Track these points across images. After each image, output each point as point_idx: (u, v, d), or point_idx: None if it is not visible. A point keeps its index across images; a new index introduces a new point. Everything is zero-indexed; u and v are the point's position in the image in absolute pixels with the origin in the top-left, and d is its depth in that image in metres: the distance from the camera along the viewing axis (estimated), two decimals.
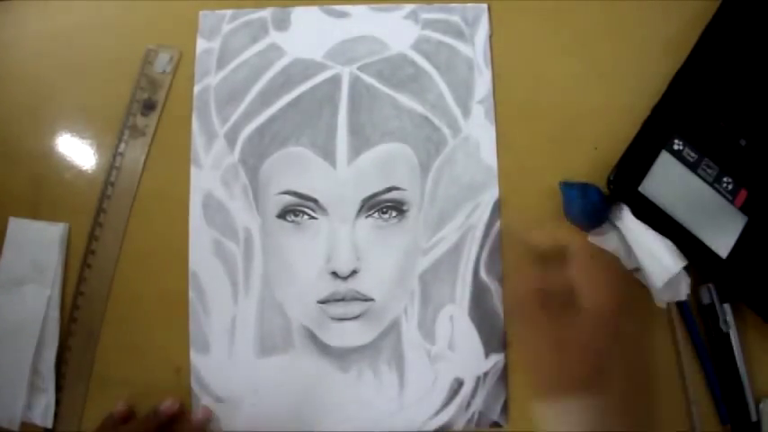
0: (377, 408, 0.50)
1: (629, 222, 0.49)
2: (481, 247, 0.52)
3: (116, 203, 0.53)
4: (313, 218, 0.52)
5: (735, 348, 0.49)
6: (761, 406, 0.49)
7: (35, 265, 0.51)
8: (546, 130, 0.53)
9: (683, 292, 0.48)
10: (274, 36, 0.55)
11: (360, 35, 0.55)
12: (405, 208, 0.52)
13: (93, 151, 0.54)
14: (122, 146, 0.53)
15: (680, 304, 0.51)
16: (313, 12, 0.55)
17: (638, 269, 0.50)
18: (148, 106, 0.54)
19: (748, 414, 0.49)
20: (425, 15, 0.55)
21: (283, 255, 0.51)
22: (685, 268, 0.48)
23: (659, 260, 0.48)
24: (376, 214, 0.52)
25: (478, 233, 0.52)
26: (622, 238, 0.50)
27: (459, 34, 0.55)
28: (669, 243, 0.48)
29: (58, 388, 0.50)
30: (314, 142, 0.52)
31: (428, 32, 0.55)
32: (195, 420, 0.49)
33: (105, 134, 0.54)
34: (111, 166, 0.53)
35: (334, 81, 0.53)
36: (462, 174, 0.53)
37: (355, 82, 0.53)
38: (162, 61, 0.54)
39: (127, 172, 0.53)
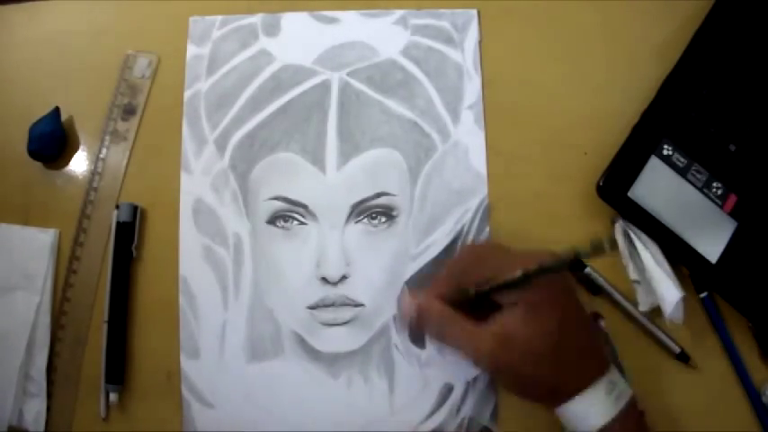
0: (367, 413, 0.50)
1: (639, 244, 0.50)
2: None
3: (99, 209, 0.53)
4: (303, 223, 0.52)
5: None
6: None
7: (25, 272, 0.51)
8: (535, 135, 0.54)
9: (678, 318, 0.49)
10: (264, 42, 0.55)
11: (349, 41, 0.55)
12: (394, 213, 0.52)
13: (80, 157, 0.54)
14: (104, 151, 0.54)
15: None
16: (303, 18, 0.56)
17: (637, 281, 0.50)
18: (128, 111, 0.54)
19: None
20: (415, 21, 0.55)
21: (273, 260, 0.52)
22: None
23: (661, 290, 0.48)
24: (365, 220, 0.52)
25: (468, 238, 0.52)
26: (631, 248, 0.50)
27: (448, 40, 0.55)
28: (669, 271, 0.49)
29: (48, 394, 0.50)
30: (303, 148, 0.53)
31: (417, 38, 0.55)
32: None
33: (92, 139, 0.54)
34: (93, 172, 0.53)
35: (324, 87, 0.54)
36: (452, 179, 0.53)
37: (345, 88, 0.54)
38: (141, 66, 0.55)
39: (109, 177, 0.53)
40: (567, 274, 0.44)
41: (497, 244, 0.46)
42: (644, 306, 0.49)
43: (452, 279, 0.45)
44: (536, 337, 0.41)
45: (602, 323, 0.49)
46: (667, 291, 0.48)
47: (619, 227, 0.51)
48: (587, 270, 0.50)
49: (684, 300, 0.48)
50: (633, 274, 0.50)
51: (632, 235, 0.50)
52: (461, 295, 0.44)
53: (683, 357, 0.49)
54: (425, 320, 0.45)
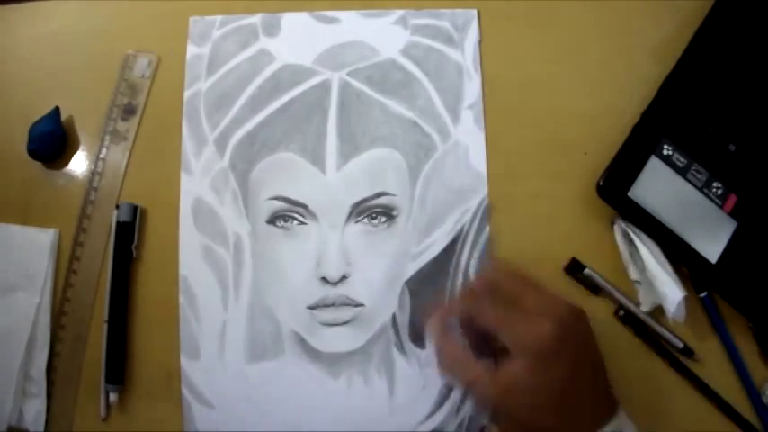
0: (367, 413, 0.50)
1: (640, 244, 0.50)
2: (471, 252, 0.52)
3: (99, 209, 0.53)
4: (303, 223, 0.52)
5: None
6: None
7: (25, 272, 0.51)
8: (535, 135, 0.53)
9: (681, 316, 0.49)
10: (264, 42, 0.55)
11: (349, 41, 0.55)
12: (394, 213, 0.52)
13: (80, 157, 0.54)
14: (104, 151, 0.54)
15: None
16: (303, 18, 0.56)
17: (638, 281, 0.50)
18: (129, 111, 0.54)
19: None
20: (415, 21, 0.55)
21: (273, 260, 0.52)
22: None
23: (664, 289, 0.48)
24: (365, 220, 0.52)
25: (468, 238, 0.52)
26: (632, 248, 0.50)
27: (448, 40, 0.55)
28: (671, 270, 0.49)
29: (48, 394, 0.50)
30: (303, 148, 0.53)
31: (417, 38, 0.55)
32: None
33: (92, 139, 0.54)
34: (93, 172, 0.53)
35: (324, 87, 0.54)
36: (452, 179, 0.53)
37: (345, 87, 0.54)
38: (141, 66, 0.55)
39: (109, 177, 0.53)
40: (584, 326, 0.43)
41: (515, 272, 0.45)
42: (646, 306, 0.49)
43: (465, 305, 0.45)
44: (543, 389, 0.40)
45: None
46: (671, 290, 0.48)
47: (618, 227, 0.51)
48: (587, 271, 0.50)
49: (686, 299, 0.48)
50: (634, 275, 0.50)
51: (632, 235, 0.50)
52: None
53: (687, 352, 0.49)
54: (438, 358, 0.45)
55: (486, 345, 0.45)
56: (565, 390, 0.40)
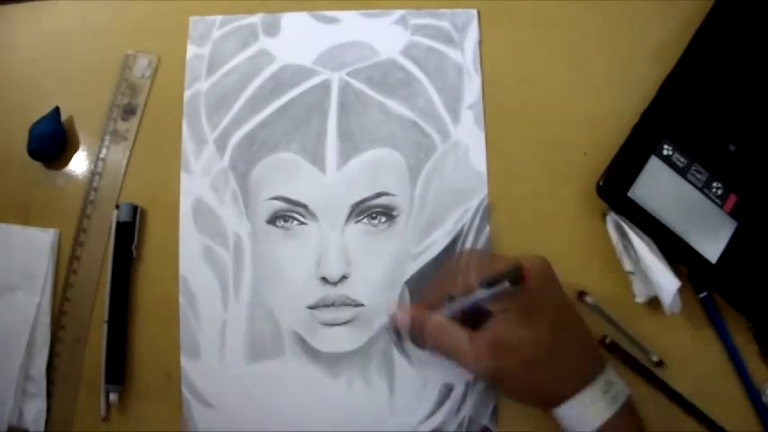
0: (367, 413, 0.50)
1: (634, 236, 0.50)
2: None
3: (99, 209, 0.53)
4: (303, 223, 0.52)
5: None
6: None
7: (25, 272, 0.51)
8: (535, 135, 0.54)
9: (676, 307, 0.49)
10: (264, 42, 0.55)
11: (349, 41, 0.55)
12: (394, 213, 0.52)
13: (80, 157, 0.54)
14: (104, 151, 0.54)
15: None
16: (303, 18, 0.56)
17: (632, 272, 0.50)
18: (129, 111, 0.54)
19: None
20: (415, 21, 0.55)
21: (273, 260, 0.52)
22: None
23: (659, 280, 0.48)
24: (365, 220, 0.52)
25: (468, 238, 0.52)
26: (625, 241, 0.50)
27: (448, 40, 0.55)
28: (665, 261, 0.49)
29: (48, 394, 0.50)
30: (303, 148, 0.53)
31: (417, 38, 0.55)
32: None
33: (92, 139, 0.54)
34: (93, 172, 0.53)
35: (324, 87, 0.54)
36: (452, 179, 0.53)
37: (345, 88, 0.54)
38: (141, 66, 0.55)
39: (109, 177, 0.53)
40: (554, 276, 0.44)
41: (486, 253, 0.46)
42: (640, 298, 0.49)
43: (442, 288, 0.45)
44: (530, 343, 0.41)
45: (589, 299, 0.50)
46: (667, 281, 0.48)
47: (610, 219, 0.51)
48: (590, 299, 0.50)
49: (680, 290, 0.48)
50: (627, 266, 0.50)
51: (625, 227, 0.50)
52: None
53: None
54: (420, 331, 0.45)
55: (465, 321, 0.45)
56: (552, 342, 0.42)
